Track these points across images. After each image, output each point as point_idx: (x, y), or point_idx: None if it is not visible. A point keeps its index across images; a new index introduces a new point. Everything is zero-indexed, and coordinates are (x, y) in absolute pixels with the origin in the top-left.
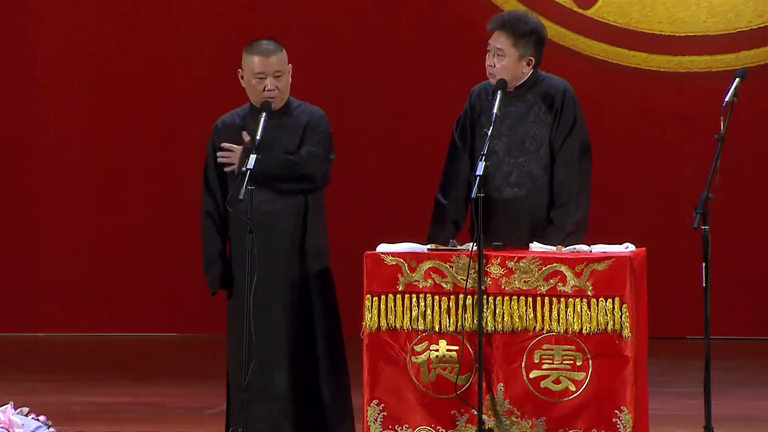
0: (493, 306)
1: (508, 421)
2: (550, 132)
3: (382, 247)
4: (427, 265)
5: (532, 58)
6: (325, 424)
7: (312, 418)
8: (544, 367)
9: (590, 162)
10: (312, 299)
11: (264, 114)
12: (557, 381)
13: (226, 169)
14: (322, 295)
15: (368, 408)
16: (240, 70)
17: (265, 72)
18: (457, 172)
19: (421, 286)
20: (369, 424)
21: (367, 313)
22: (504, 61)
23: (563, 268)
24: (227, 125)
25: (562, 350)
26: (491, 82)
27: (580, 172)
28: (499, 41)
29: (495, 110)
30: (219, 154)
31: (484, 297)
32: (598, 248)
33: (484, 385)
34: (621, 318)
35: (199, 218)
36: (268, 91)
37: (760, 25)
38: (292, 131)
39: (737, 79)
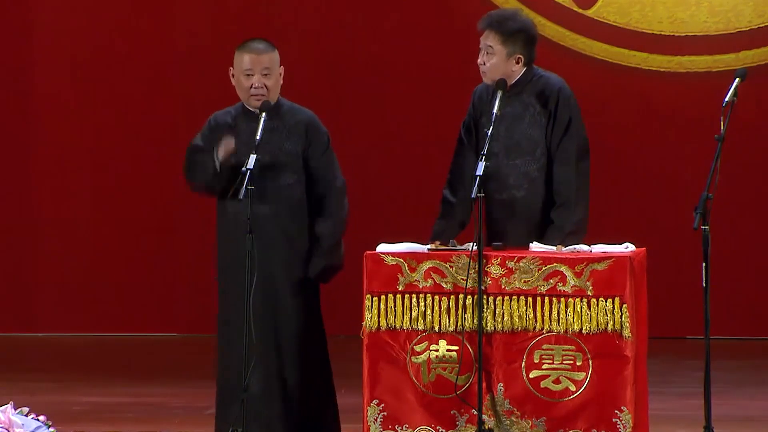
0: (493, 306)
1: (508, 421)
2: (546, 133)
3: (382, 247)
4: (427, 265)
5: (521, 56)
6: (308, 424)
7: (294, 419)
8: (544, 367)
9: (589, 161)
10: (293, 300)
11: (264, 114)
12: (557, 381)
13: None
14: (303, 296)
15: (368, 408)
16: (231, 68)
17: (253, 69)
18: (464, 169)
19: (421, 286)
20: (369, 424)
21: (367, 313)
22: (493, 60)
23: (563, 268)
24: (219, 124)
25: (562, 350)
26: (484, 80)
27: (578, 172)
28: (488, 39)
29: (495, 110)
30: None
31: (484, 297)
32: (598, 248)
33: (484, 385)
34: (621, 318)
35: (199, 215)
36: (255, 88)
37: (760, 25)
38: (283, 133)
39: (737, 79)
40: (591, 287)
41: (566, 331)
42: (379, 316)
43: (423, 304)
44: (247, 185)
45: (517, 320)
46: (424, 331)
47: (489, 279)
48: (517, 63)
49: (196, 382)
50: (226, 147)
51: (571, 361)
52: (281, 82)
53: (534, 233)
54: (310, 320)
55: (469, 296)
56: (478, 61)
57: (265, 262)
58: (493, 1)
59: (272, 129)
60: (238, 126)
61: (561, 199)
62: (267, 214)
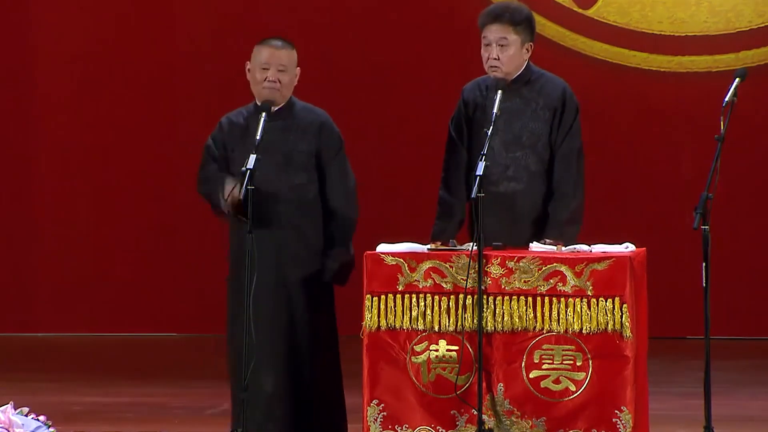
0: (493, 306)
1: (508, 421)
2: (549, 129)
3: (382, 247)
4: (427, 265)
5: (531, 43)
6: (317, 424)
7: (300, 421)
8: (544, 367)
9: (583, 160)
10: (307, 301)
11: (264, 114)
12: (557, 381)
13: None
14: (317, 297)
15: (368, 408)
16: (248, 63)
17: (270, 63)
18: (458, 167)
19: (421, 286)
20: (369, 424)
21: (367, 313)
22: (510, 51)
23: (563, 268)
24: (232, 123)
25: (562, 350)
26: (496, 76)
27: (577, 168)
28: (500, 32)
29: (495, 110)
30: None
31: (484, 297)
32: (598, 248)
33: (484, 385)
34: (621, 318)
35: (198, 216)
36: (268, 81)
37: (760, 25)
38: (297, 133)
39: (737, 79)
40: (591, 287)
41: (566, 331)
42: (379, 316)
43: (423, 304)
44: (246, 185)
45: (517, 320)
46: (424, 331)
47: (489, 279)
48: (528, 51)
49: (196, 382)
50: (231, 197)
51: (571, 361)
52: (296, 83)
53: (534, 229)
54: (323, 319)
55: (469, 296)
56: (491, 55)
57: (279, 261)
58: (493, 1)
59: (285, 128)
60: (251, 126)
61: (559, 191)
62: (280, 212)
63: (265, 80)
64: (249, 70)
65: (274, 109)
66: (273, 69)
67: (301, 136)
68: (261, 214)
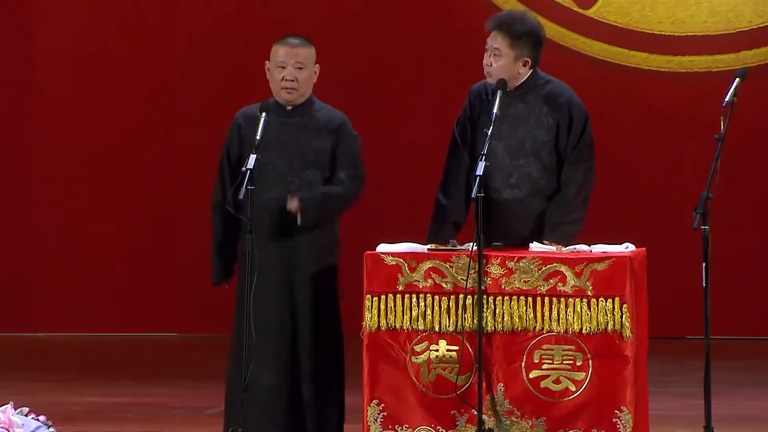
0: (493, 306)
1: (508, 421)
2: (555, 137)
3: (382, 247)
4: (427, 265)
5: (528, 59)
6: (309, 424)
7: (295, 419)
8: (544, 367)
9: (594, 168)
10: (311, 300)
11: (263, 114)
12: (557, 381)
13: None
14: (321, 297)
15: (368, 408)
16: (267, 62)
17: (286, 61)
18: (458, 170)
19: (421, 286)
20: (369, 424)
21: (367, 313)
22: (501, 62)
23: (563, 268)
24: (248, 118)
25: (562, 350)
26: (489, 81)
27: (584, 174)
28: (496, 41)
29: (495, 110)
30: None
31: (484, 297)
32: (598, 248)
33: (484, 385)
34: (621, 318)
35: (198, 215)
36: (285, 80)
37: (760, 25)
38: (312, 132)
39: (737, 79)
40: (591, 287)
41: (566, 331)
42: (379, 316)
43: (423, 304)
44: (246, 185)
45: (517, 320)
46: (424, 331)
47: (489, 279)
48: (524, 65)
49: (196, 382)
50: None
51: (571, 361)
52: (315, 79)
53: (535, 235)
54: (327, 317)
55: (469, 296)
56: (484, 61)
57: (286, 259)
58: (493, 1)
59: (302, 126)
60: (268, 119)
61: (560, 194)
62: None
63: (282, 79)
64: (268, 69)
65: (291, 107)
66: (290, 67)
67: (317, 134)
68: (273, 207)
